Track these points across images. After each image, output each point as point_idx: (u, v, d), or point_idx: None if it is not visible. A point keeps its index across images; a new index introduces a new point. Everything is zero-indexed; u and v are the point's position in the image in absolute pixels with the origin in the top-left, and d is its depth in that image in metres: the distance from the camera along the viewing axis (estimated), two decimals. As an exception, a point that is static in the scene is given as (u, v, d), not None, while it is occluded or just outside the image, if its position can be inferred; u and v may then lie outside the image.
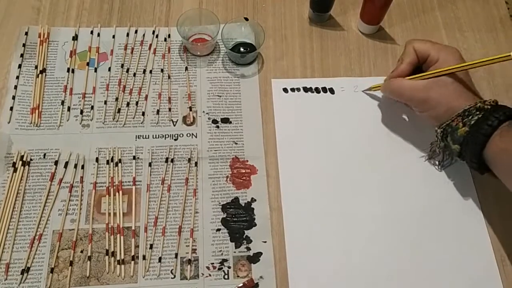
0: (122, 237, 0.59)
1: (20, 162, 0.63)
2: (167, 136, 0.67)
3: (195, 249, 0.59)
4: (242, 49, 0.73)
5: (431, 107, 0.59)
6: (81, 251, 0.58)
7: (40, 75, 0.70)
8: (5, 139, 0.64)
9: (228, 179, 0.64)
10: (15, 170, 0.62)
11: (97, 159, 0.64)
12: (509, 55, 0.53)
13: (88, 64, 0.72)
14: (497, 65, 0.75)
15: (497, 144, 0.52)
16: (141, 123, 0.67)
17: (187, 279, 0.57)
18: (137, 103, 0.69)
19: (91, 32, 0.74)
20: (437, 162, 0.65)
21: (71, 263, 0.57)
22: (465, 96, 0.57)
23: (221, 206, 0.62)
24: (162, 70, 0.72)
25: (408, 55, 0.62)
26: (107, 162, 0.64)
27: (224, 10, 0.78)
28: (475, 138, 0.53)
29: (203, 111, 0.69)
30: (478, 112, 0.54)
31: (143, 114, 0.68)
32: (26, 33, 0.73)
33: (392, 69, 0.74)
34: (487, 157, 0.54)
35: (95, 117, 0.68)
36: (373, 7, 0.73)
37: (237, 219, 0.61)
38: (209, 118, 0.68)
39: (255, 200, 0.62)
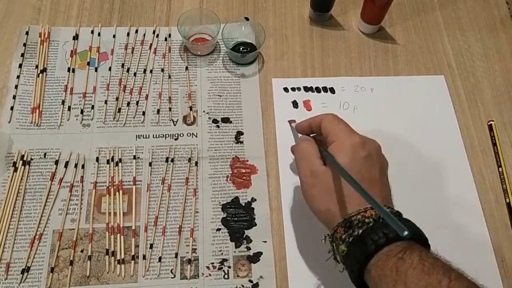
0: (122, 236, 0.59)
1: (21, 161, 0.63)
2: (167, 135, 0.67)
3: (195, 249, 0.59)
4: (242, 49, 0.73)
5: (312, 197, 0.49)
6: (81, 251, 0.58)
7: (40, 74, 0.70)
8: (6, 138, 0.64)
9: (228, 178, 0.64)
10: (15, 170, 0.62)
11: (97, 159, 0.64)
12: None
13: (88, 63, 0.72)
14: (498, 64, 0.75)
15: (373, 274, 0.42)
16: (142, 122, 0.67)
17: (187, 278, 0.57)
18: (137, 102, 0.69)
19: (92, 32, 0.74)
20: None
21: (71, 263, 0.57)
22: (349, 201, 0.46)
23: (221, 206, 0.62)
24: (162, 70, 0.72)
25: (314, 120, 0.54)
26: (108, 162, 0.64)
27: (224, 10, 0.78)
28: (351, 265, 0.44)
29: (204, 111, 0.69)
30: (359, 225, 0.44)
31: (144, 113, 0.68)
32: (27, 33, 0.73)
33: (392, 69, 0.74)
34: (367, 281, 0.44)
35: (95, 116, 0.68)
36: (374, 6, 0.73)
37: (237, 219, 0.61)
38: (209, 118, 0.68)
39: (255, 200, 0.62)
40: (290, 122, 0.66)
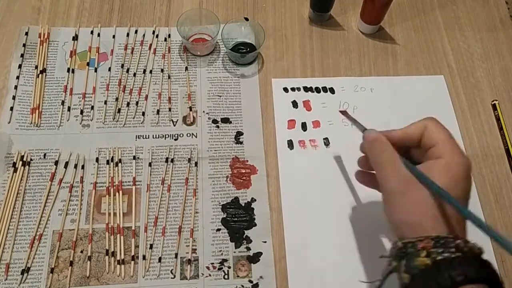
0: (122, 237, 0.59)
1: (20, 162, 0.63)
2: (167, 136, 0.67)
3: (195, 249, 0.59)
4: (242, 49, 0.73)
5: (400, 206, 0.43)
6: (81, 251, 0.58)
7: (40, 75, 0.70)
8: (5, 139, 0.64)
9: (228, 179, 0.64)
10: (15, 170, 0.62)
11: (97, 159, 0.64)
12: None
13: (88, 64, 0.72)
14: (498, 64, 0.75)
15: None
16: (141, 123, 0.67)
17: (187, 279, 0.57)
18: (137, 103, 0.69)
19: (91, 32, 0.74)
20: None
21: (71, 263, 0.57)
22: (446, 222, 0.41)
23: (221, 206, 0.62)
24: (162, 70, 0.72)
25: (414, 127, 0.47)
26: (107, 162, 0.64)
27: (224, 10, 0.78)
28: (428, 281, 0.38)
29: (203, 111, 0.69)
30: (453, 250, 0.39)
31: (143, 114, 0.68)
32: (27, 33, 0.73)
33: (392, 69, 0.74)
34: None
35: (95, 117, 0.68)
36: (374, 7, 0.73)
37: (237, 219, 0.61)
38: (209, 118, 0.68)
39: (255, 200, 0.62)
40: (343, 112, 0.61)
